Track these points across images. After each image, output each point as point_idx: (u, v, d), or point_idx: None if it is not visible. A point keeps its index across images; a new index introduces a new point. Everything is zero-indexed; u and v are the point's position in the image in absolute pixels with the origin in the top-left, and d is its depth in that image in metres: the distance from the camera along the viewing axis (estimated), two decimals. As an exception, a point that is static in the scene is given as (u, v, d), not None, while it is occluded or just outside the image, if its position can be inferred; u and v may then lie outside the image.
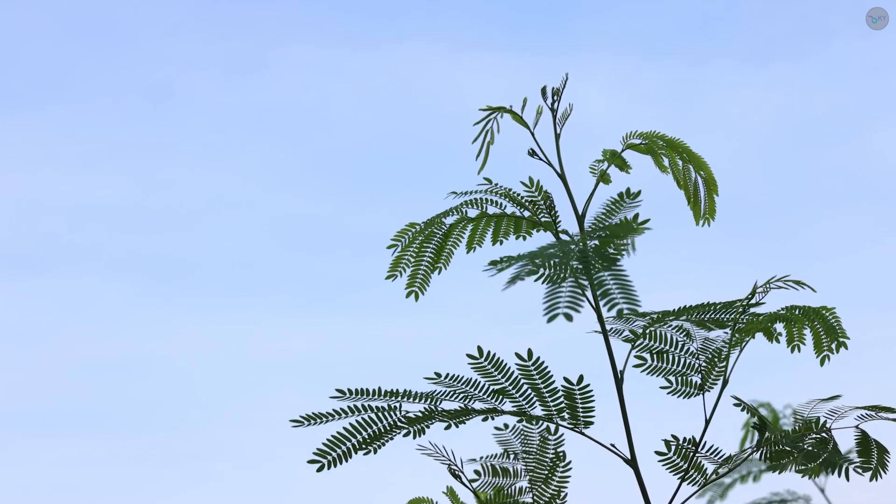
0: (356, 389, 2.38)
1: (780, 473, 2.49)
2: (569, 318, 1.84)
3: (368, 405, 2.37)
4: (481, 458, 2.61)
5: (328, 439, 2.35)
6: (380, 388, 2.39)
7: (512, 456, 2.58)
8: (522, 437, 2.54)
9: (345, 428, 2.36)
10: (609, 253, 1.94)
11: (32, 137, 7.28)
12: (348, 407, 2.37)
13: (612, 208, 2.36)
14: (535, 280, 1.95)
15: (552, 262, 1.91)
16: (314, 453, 2.34)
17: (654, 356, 2.52)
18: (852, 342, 2.39)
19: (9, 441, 6.79)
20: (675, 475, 2.47)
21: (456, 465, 2.59)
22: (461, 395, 2.41)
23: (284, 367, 6.86)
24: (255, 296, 7.15)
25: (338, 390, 2.38)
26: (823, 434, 2.49)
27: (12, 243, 7.24)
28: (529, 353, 2.39)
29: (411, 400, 2.39)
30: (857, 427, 2.51)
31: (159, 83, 7.34)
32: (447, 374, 2.42)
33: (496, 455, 2.60)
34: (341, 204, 7.14)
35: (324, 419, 2.37)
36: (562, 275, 1.89)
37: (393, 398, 2.37)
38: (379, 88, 7.16)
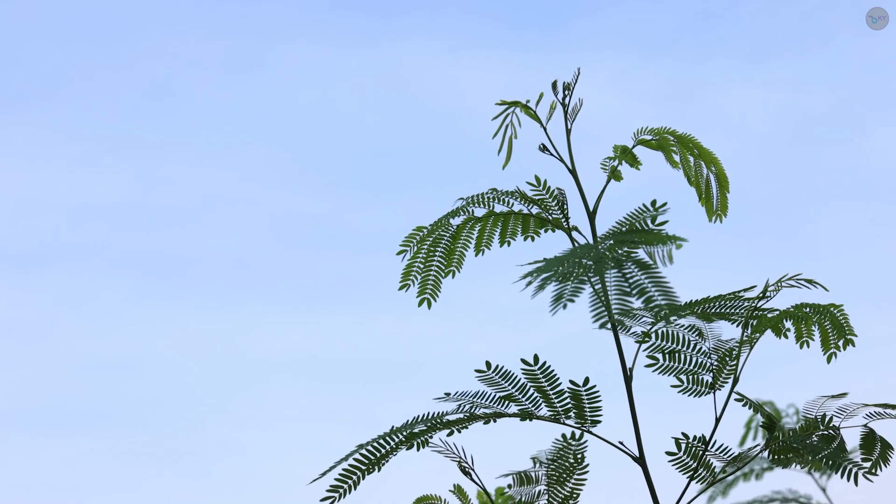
0: (374, 452, 2.34)
1: (785, 468, 2.49)
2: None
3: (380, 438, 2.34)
4: (511, 473, 2.61)
5: (339, 475, 2.31)
6: (392, 427, 2.36)
7: (538, 464, 2.59)
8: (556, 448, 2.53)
9: (356, 458, 2.32)
10: (644, 261, 1.93)
11: (32, 135, 7.27)
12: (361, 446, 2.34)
13: (637, 216, 2.34)
14: (557, 283, 1.93)
15: (582, 264, 1.89)
16: (327, 490, 2.31)
17: (667, 356, 2.50)
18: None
19: (8, 439, 6.78)
20: (683, 474, 2.47)
21: (466, 463, 2.58)
22: (467, 407, 2.40)
23: (284, 364, 6.85)
24: (254, 293, 7.14)
25: (356, 460, 2.33)
26: (831, 431, 2.48)
27: (12, 240, 7.23)
28: (535, 358, 2.38)
29: (419, 425, 2.36)
30: (865, 425, 2.51)
31: (159, 81, 7.33)
32: (456, 392, 2.41)
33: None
34: (341, 201, 7.13)
35: (338, 464, 2.33)
36: (581, 276, 1.88)
37: (401, 431, 2.34)
38: (378, 86, 7.15)
